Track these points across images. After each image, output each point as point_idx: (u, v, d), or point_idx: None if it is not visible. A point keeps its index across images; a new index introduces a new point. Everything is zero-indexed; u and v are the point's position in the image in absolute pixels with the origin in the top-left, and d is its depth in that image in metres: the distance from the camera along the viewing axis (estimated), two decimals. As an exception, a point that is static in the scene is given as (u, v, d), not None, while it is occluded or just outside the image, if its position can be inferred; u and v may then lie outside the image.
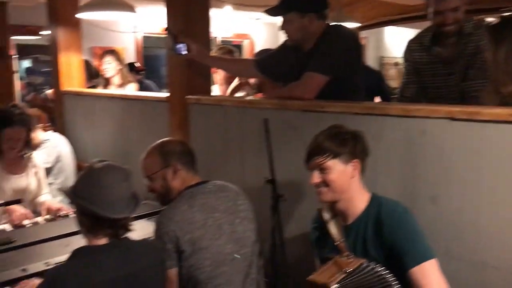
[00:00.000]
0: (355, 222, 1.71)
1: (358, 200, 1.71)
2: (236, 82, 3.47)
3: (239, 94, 3.41)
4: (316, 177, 1.69)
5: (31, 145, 2.85)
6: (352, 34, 2.42)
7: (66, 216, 2.62)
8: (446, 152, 1.74)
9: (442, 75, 2.51)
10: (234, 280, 1.87)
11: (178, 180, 1.98)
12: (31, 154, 2.87)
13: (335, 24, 2.44)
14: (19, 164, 2.82)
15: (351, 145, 1.68)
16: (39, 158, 2.98)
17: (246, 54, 8.17)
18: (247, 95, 3.37)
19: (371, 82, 3.94)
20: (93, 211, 1.51)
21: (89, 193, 1.53)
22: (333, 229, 1.72)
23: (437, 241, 1.70)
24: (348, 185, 1.68)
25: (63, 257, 1.98)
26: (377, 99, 3.84)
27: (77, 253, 1.56)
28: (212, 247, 1.84)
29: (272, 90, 2.78)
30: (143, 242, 1.76)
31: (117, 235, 1.58)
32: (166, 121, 2.92)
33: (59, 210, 2.66)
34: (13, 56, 5.63)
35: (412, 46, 2.62)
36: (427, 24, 2.55)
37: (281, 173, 2.07)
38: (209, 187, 1.99)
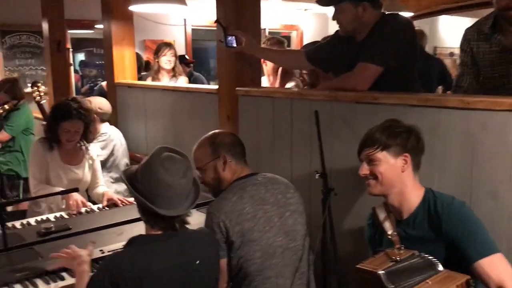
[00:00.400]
0: (410, 217, 1.67)
1: (412, 195, 1.67)
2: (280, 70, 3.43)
3: (288, 85, 3.38)
4: (364, 169, 1.68)
5: (88, 138, 2.94)
6: (408, 23, 2.33)
7: (123, 206, 2.70)
8: (509, 147, 1.65)
9: (503, 64, 2.38)
10: (284, 273, 1.86)
11: (228, 171, 1.99)
12: (87, 146, 2.97)
13: (390, 13, 2.36)
14: (76, 155, 2.93)
15: (402, 139, 1.64)
16: (95, 150, 3.08)
17: (295, 45, 8.09)
18: (297, 86, 3.34)
19: (433, 71, 3.81)
20: (150, 208, 1.53)
21: (149, 189, 1.55)
22: (388, 226, 1.69)
23: (498, 240, 1.62)
24: (398, 179, 1.64)
25: (116, 245, 2.05)
26: (440, 89, 3.69)
27: (133, 242, 1.59)
28: (262, 239, 1.84)
29: (322, 82, 2.73)
30: (200, 232, 1.77)
31: (174, 227, 1.60)
32: (216, 113, 2.94)
33: (117, 201, 2.74)
34: (69, 50, 5.84)
35: (469, 34, 2.49)
36: (482, 13, 2.42)
37: (332, 167, 2.03)
38: (259, 179, 1.99)
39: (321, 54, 2.56)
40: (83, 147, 2.94)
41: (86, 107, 2.88)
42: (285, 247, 1.88)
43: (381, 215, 1.73)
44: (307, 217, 2.03)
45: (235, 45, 2.59)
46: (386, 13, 2.32)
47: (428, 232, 1.61)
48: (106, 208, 2.71)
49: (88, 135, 2.91)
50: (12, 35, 6.36)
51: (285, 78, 3.37)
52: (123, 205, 2.72)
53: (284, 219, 1.92)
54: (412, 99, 1.96)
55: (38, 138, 2.97)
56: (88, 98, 3.70)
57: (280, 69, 3.33)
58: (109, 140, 3.59)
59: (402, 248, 1.61)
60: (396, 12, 2.47)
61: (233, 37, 2.58)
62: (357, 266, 1.56)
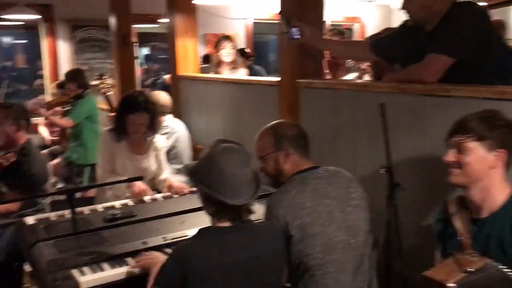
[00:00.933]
0: (490, 217, 1.56)
1: (497, 194, 1.56)
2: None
3: (349, 77, 3.30)
4: (451, 155, 1.58)
5: (154, 129, 3.02)
6: (482, 12, 2.19)
7: (185, 194, 2.75)
8: None
9: None
10: (345, 269, 1.81)
11: (290, 164, 1.96)
12: (153, 137, 3.06)
13: (463, 2, 2.23)
14: (142, 146, 3.02)
15: (501, 133, 1.52)
16: (161, 141, 3.16)
17: (357, 38, 7.92)
18: (359, 77, 3.25)
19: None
20: (216, 198, 1.54)
21: (212, 180, 1.56)
22: (459, 223, 1.59)
23: None
24: (485, 174, 1.54)
25: (178, 233, 2.09)
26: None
27: (202, 233, 1.61)
28: (322, 234, 1.80)
29: (387, 74, 2.64)
30: (267, 226, 1.77)
31: (241, 217, 1.60)
32: (276, 105, 2.92)
33: (180, 188, 2.80)
34: (134, 43, 6.02)
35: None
36: None
37: (398, 161, 1.95)
38: (320, 173, 1.94)
39: (387, 45, 2.47)
40: (149, 138, 3.03)
41: (152, 100, 2.96)
42: (346, 242, 1.83)
43: (452, 209, 1.63)
44: (371, 213, 1.96)
45: (298, 36, 2.55)
46: (459, 1, 2.19)
47: (509, 236, 1.50)
48: (173, 195, 2.76)
49: (154, 126, 2.99)
50: (82, 30, 6.67)
51: (334, 70, 3.28)
52: (182, 194, 2.77)
53: (345, 214, 1.87)
54: (487, 91, 1.84)
55: (106, 128, 3.08)
56: (152, 92, 3.80)
57: (327, 60, 3.25)
58: (171, 132, 3.68)
59: (475, 254, 1.49)
60: (469, 1, 2.33)
61: (297, 28, 2.54)
62: (425, 274, 1.47)
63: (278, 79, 2.95)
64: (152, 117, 2.91)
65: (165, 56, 9.30)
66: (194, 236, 1.63)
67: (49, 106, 4.62)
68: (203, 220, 1.70)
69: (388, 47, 2.45)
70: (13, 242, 2.57)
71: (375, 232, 1.93)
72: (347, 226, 1.85)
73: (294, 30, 2.54)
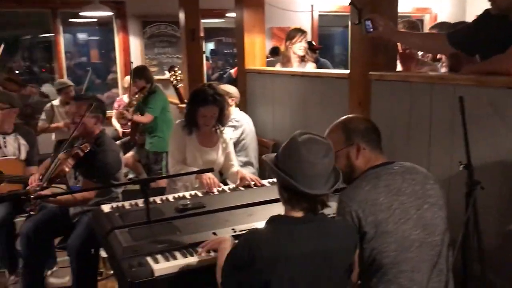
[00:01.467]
0: None
1: None
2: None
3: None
4: None
5: (222, 122, 3.07)
6: None
7: (256, 186, 2.78)
8: None
9: None
10: (421, 268, 1.74)
11: (362, 159, 1.91)
12: (222, 130, 3.10)
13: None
14: (211, 138, 3.08)
15: None
16: (229, 133, 3.21)
17: (427, 30, 7.60)
18: (433, 71, 3.11)
19: None
20: (292, 185, 1.54)
21: (290, 167, 1.56)
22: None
23: None
24: None
25: (247, 225, 2.11)
26: None
27: (273, 221, 1.61)
28: (397, 232, 1.74)
29: (466, 65, 2.50)
30: (340, 222, 1.74)
31: (315, 210, 1.59)
32: (346, 98, 2.86)
33: (252, 180, 2.82)
34: (202, 38, 6.14)
35: None
36: None
37: (476, 158, 1.85)
38: (395, 168, 1.88)
39: (466, 36, 2.33)
40: (218, 131, 3.08)
41: (221, 93, 3.00)
42: (422, 241, 1.76)
43: None
44: (448, 211, 1.87)
45: (371, 29, 2.47)
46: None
47: None
48: (241, 188, 2.80)
49: (222, 119, 3.04)
50: (152, 25, 6.88)
51: (407, 62, 3.15)
52: (255, 186, 2.78)
53: (422, 212, 1.79)
54: None
55: (178, 121, 3.17)
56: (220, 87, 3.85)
57: (398, 52, 3.13)
58: (238, 125, 3.71)
59: None
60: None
61: (370, 21, 2.46)
62: None
63: (348, 71, 2.88)
64: (220, 109, 2.96)
65: (229, 51, 9.43)
66: (266, 223, 1.63)
67: (130, 106, 4.83)
68: (272, 213, 1.70)
69: (467, 38, 2.31)
70: (89, 229, 2.70)
71: (452, 232, 1.84)
72: (423, 224, 1.78)
73: (367, 22, 2.47)
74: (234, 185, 2.86)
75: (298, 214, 1.59)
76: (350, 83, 2.84)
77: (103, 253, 2.98)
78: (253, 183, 2.81)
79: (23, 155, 3.47)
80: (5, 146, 3.39)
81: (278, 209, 1.70)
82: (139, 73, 4.87)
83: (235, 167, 3.12)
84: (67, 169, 2.76)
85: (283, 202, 1.64)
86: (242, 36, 4.21)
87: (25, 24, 8.94)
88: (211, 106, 2.90)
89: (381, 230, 1.74)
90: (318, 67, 4.65)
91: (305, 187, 1.53)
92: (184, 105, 4.00)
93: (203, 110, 2.89)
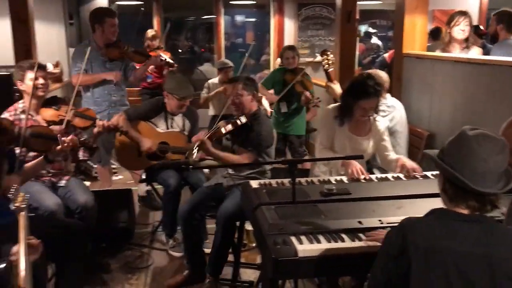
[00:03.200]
0: None
1: None
2: None
3: None
4: None
5: (377, 111, 2.95)
6: None
7: (405, 180, 2.63)
8: None
9: None
10: None
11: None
12: (375, 119, 2.98)
13: None
14: (364, 127, 2.98)
15: None
16: (383, 123, 3.07)
17: None
18: None
19: None
20: (460, 181, 1.42)
21: (460, 162, 1.44)
22: None
23: None
24: None
25: (395, 218, 1.99)
26: None
27: (434, 213, 1.52)
28: None
29: None
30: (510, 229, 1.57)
31: (483, 210, 1.44)
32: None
33: (412, 168, 2.68)
34: (358, 21, 5.96)
35: None
36: None
37: None
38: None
39: None
40: (371, 118, 2.96)
41: (380, 82, 2.88)
42: None
43: None
44: None
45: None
46: None
47: None
48: (403, 177, 2.67)
49: (377, 108, 2.92)
50: (308, 7, 6.90)
51: None
52: (415, 176, 2.64)
53: None
54: None
55: (330, 106, 3.12)
56: (368, 71, 3.70)
57: None
58: (389, 111, 3.54)
59: None
60: None
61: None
62: None
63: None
64: (379, 99, 2.85)
65: (384, 34, 9.05)
66: (425, 214, 1.53)
67: None
68: (423, 207, 1.58)
69: None
70: (238, 201, 2.82)
71: None
72: None
73: None
74: (398, 173, 2.71)
75: (464, 211, 1.46)
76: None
77: (248, 226, 3.10)
78: (414, 173, 2.65)
79: (186, 132, 3.76)
80: (171, 126, 3.69)
81: (431, 205, 1.57)
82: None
83: (392, 153, 2.97)
84: (223, 131, 3.09)
85: (446, 199, 1.51)
86: (402, 17, 3.98)
87: (190, 6, 9.67)
88: (373, 98, 2.79)
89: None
90: (485, 53, 4.21)
91: (472, 183, 1.39)
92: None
93: (363, 103, 2.79)
